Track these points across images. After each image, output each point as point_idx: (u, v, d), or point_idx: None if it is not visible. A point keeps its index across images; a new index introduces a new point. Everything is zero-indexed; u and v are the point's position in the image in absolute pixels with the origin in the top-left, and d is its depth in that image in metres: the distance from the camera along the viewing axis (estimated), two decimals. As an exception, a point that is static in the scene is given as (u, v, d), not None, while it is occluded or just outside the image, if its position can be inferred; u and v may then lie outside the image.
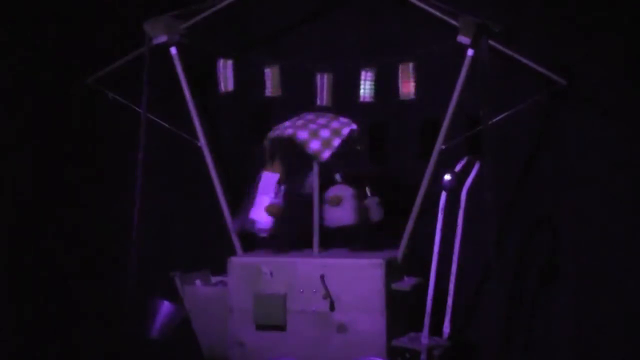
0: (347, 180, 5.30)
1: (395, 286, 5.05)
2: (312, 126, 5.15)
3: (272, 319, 5.09)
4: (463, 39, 5.04)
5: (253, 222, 5.27)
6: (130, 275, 5.29)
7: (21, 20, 5.98)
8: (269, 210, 5.24)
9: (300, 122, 5.20)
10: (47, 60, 6.07)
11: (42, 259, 6.09)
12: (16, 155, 5.97)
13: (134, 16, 5.63)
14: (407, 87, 5.18)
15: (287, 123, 5.24)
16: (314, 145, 5.10)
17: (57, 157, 6.13)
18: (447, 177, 4.90)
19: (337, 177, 5.31)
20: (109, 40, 5.99)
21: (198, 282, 5.39)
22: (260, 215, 5.26)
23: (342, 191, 5.26)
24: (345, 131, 5.16)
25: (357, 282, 5.00)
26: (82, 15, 6.10)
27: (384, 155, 5.61)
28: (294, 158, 5.26)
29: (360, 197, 5.27)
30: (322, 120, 5.21)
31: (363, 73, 5.26)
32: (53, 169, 6.12)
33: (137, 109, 5.44)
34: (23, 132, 6.01)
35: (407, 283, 5.14)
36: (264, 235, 5.29)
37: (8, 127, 5.94)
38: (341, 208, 5.23)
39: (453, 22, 5.08)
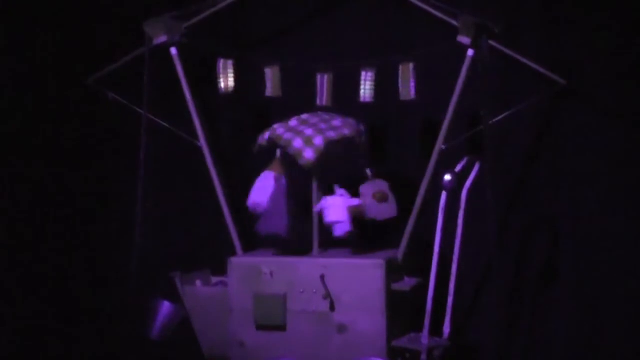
0: (379, 175, 5.29)
1: (395, 286, 5.05)
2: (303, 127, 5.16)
3: (272, 319, 5.08)
4: (463, 39, 5.03)
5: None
6: (131, 275, 5.28)
7: (21, 20, 5.97)
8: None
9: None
10: (47, 61, 6.06)
11: (42, 259, 6.08)
12: (16, 155, 5.97)
13: (134, 16, 5.60)
14: (408, 88, 5.17)
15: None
16: (297, 144, 5.09)
17: (57, 157, 6.12)
18: (448, 177, 4.90)
19: (368, 172, 5.28)
20: (109, 40, 5.95)
21: (198, 282, 5.38)
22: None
23: (382, 186, 5.23)
24: (331, 134, 5.13)
25: (358, 282, 4.99)
26: (82, 15, 6.08)
27: (384, 155, 5.61)
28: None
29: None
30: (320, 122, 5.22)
31: (363, 73, 5.25)
32: (53, 169, 6.10)
33: (137, 109, 5.43)
34: (23, 132, 6.01)
35: (407, 283, 5.14)
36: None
37: (8, 127, 5.94)
38: (387, 202, 5.22)
39: (453, 22, 5.07)
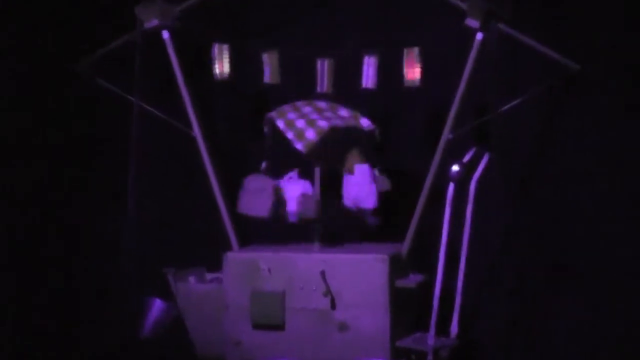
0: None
1: (400, 283, 4.98)
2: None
3: (270, 318, 5.03)
4: (471, 22, 4.94)
5: None
6: (127, 273, 5.27)
7: (21, 20, 5.97)
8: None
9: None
10: (47, 61, 6.04)
11: (42, 260, 6.09)
12: (16, 155, 5.97)
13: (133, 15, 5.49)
14: (413, 73, 5.10)
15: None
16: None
17: (57, 157, 6.13)
18: (455, 167, 4.81)
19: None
20: (110, 40, 5.76)
21: (192, 279, 5.34)
22: None
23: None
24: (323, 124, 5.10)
25: (360, 278, 4.93)
26: (82, 15, 6.08)
27: (388, 144, 5.50)
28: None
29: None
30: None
31: (366, 59, 5.19)
32: (53, 169, 6.12)
33: (129, 97, 5.38)
34: (23, 132, 6.01)
35: (412, 280, 5.09)
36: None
37: (8, 127, 5.94)
38: None
39: (460, 4, 4.98)
